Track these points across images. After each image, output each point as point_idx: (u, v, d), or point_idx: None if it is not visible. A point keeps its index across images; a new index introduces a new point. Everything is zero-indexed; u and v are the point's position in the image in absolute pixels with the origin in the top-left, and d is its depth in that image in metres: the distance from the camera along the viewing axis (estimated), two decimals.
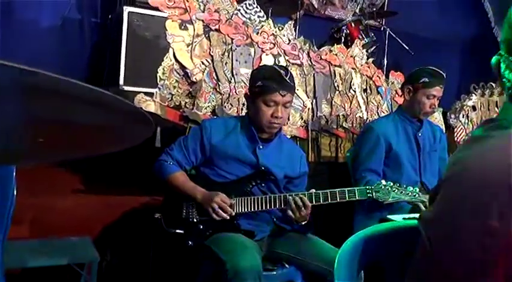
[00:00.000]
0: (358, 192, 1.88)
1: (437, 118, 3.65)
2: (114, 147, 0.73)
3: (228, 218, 1.82)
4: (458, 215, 0.70)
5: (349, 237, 1.07)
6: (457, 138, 3.78)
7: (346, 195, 1.87)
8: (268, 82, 1.84)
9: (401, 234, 1.04)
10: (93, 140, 0.65)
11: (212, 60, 2.57)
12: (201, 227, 1.87)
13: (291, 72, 1.91)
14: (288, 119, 2.74)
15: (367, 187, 1.91)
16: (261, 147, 1.94)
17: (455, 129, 3.80)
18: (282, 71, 1.86)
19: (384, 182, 1.95)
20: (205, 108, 2.52)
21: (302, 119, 2.94)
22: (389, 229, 1.06)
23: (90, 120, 0.56)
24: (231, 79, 2.62)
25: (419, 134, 2.56)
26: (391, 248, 1.04)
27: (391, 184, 1.96)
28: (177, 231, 1.87)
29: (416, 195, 1.97)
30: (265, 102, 1.85)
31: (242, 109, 2.63)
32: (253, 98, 1.90)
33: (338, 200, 1.87)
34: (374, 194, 1.91)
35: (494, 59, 0.77)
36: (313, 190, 1.88)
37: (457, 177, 0.72)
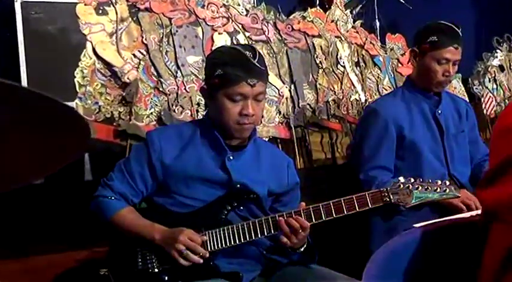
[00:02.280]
0: (370, 198, 1.89)
1: (456, 88, 3.73)
2: (41, 170, 0.71)
3: (202, 261, 1.81)
4: None
5: (365, 262, 1.08)
6: (487, 110, 3.86)
7: (356, 204, 1.87)
8: (230, 69, 1.83)
9: (443, 239, 1.05)
10: (11, 159, 0.63)
11: (147, 51, 2.56)
12: (166, 278, 1.83)
13: (260, 53, 1.91)
14: (262, 116, 2.74)
15: (381, 189, 1.93)
16: (231, 158, 1.93)
17: (483, 99, 3.89)
18: (247, 52, 1.86)
19: (401, 178, 1.96)
20: (148, 117, 2.51)
21: (280, 113, 2.95)
22: (425, 235, 1.07)
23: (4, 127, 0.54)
24: (177, 73, 2.62)
25: (439, 111, 2.60)
26: (433, 259, 1.05)
27: (412, 180, 1.97)
28: None
29: (447, 190, 1.99)
30: (229, 96, 1.85)
31: (198, 111, 2.62)
32: (212, 92, 1.89)
33: (345, 212, 1.87)
34: (392, 197, 1.92)
35: None
36: (303, 204, 1.88)
37: None
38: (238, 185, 1.92)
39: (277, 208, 2.01)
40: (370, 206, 1.90)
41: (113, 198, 1.91)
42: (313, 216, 1.85)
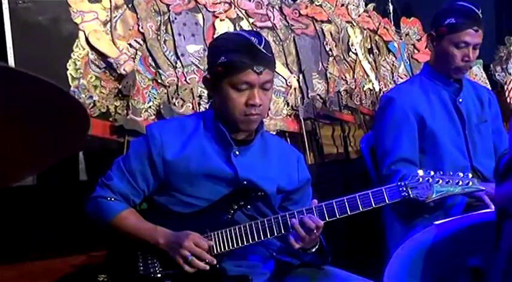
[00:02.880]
0: (387, 193, 1.87)
1: (477, 75, 3.72)
2: (34, 165, 0.69)
3: (208, 268, 1.80)
4: None
5: (382, 263, 1.07)
6: (510, 98, 3.83)
7: (372, 200, 1.86)
8: (235, 56, 1.83)
9: (468, 235, 1.05)
10: (1, 153, 0.62)
11: (144, 40, 2.55)
12: None
13: (266, 39, 1.90)
14: (269, 109, 2.73)
15: (399, 183, 1.91)
16: (237, 153, 1.92)
17: (506, 87, 3.86)
18: (253, 38, 1.85)
19: (420, 171, 1.95)
20: (146, 111, 2.50)
21: (288, 104, 2.94)
22: (450, 231, 1.07)
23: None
24: (176, 63, 2.61)
25: (460, 100, 2.61)
26: (455, 257, 1.04)
27: (432, 174, 1.96)
28: None
29: (470, 183, 1.98)
30: (234, 85, 1.84)
31: (200, 104, 2.61)
32: (215, 82, 1.89)
33: (361, 209, 1.86)
34: (410, 191, 1.91)
35: None
36: (315, 201, 1.87)
37: None
38: (245, 182, 1.90)
39: (287, 207, 2.01)
40: (387, 201, 1.88)
41: (112, 199, 1.90)
42: (326, 214, 1.83)
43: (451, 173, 1.99)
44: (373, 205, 1.87)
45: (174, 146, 1.91)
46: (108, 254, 1.94)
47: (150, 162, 1.91)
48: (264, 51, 1.85)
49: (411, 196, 1.91)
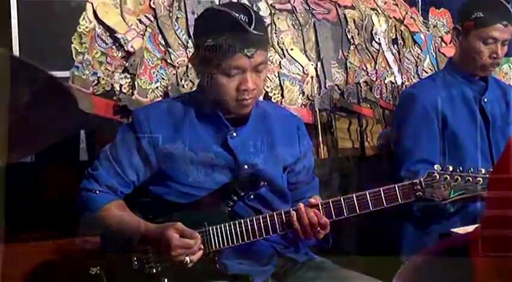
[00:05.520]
0: (400, 192, 1.84)
1: (507, 73, 3.68)
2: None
3: (200, 255, 1.79)
4: None
5: (392, 264, 1.06)
6: None
7: (383, 198, 1.83)
8: (221, 39, 1.76)
9: None
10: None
11: (155, 17, 2.55)
12: (166, 280, 1.83)
13: (256, 13, 1.83)
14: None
15: (414, 181, 1.87)
16: (234, 134, 1.90)
17: None
18: (241, 15, 1.77)
19: (438, 166, 1.88)
20: (153, 91, 2.50)
21: (304, 94, 2.93)
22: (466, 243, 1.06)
23: None
24: (188, 43, 2.60)
25: (485, 99, 2.59)
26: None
27: (451, 169, 1.87)
28: None
29: None
30: (223, 71, 1.80)
31: None
32: (203, 64, 1.86)
33: (371, 207, 1.84)
34: (426, 190, 1.86)
35: None
36: (317, 197, 1.89)
37: None
38: (246, 166, 1.89)
39: (289, 180, 2.00)
40: (400, 201, 1.85)
41: (97, 192, 1.89)
42: (333, 212, 1.83)
43: (471, 170, 1.91)
44: (385, 204, 1.84)
45: (165, 133, 1.89)
46: (101, 245, 1.93)
47: (139, 152, 1.89)
48: (255, 31, 1.77)
49: (426, 195, 1.86)
